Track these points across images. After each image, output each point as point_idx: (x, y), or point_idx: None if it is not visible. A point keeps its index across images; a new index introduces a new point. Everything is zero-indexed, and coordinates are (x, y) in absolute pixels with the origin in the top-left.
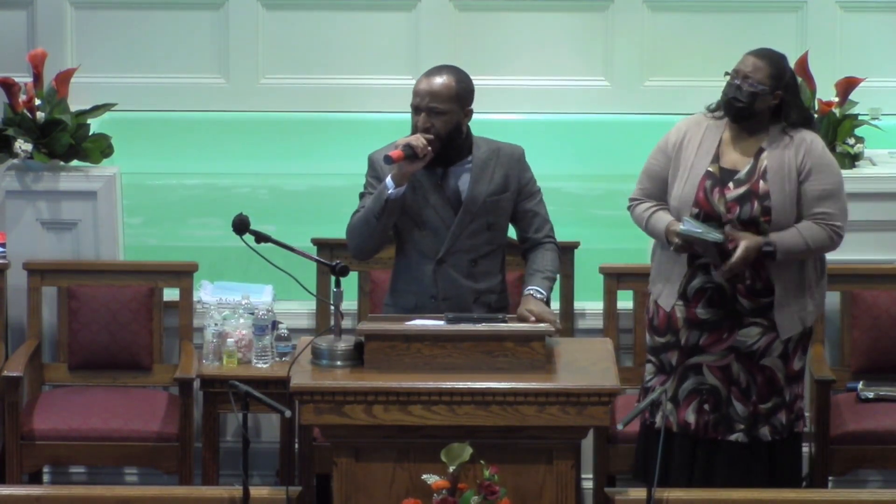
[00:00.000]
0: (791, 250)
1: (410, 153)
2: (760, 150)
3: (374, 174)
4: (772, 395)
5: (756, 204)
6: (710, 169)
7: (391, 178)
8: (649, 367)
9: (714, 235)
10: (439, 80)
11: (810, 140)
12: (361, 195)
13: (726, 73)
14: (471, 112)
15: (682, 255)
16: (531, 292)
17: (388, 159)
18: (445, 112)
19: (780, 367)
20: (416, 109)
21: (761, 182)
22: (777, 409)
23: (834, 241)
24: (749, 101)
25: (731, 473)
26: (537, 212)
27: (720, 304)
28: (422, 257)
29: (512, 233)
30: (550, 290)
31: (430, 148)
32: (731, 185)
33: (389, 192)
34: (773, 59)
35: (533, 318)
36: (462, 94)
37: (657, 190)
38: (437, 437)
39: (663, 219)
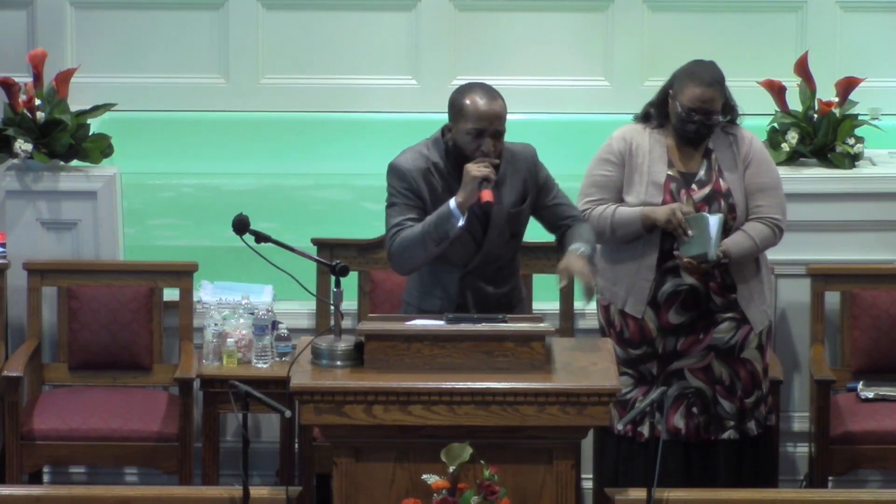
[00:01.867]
0: (743, 253)
1: (490, 185)
2: (709, 151)
3: (408, 186)
4: (754, 389)
5: (722, 202)
6: (669, 173)
7: (458, 207)
8: (625, 380)
9: (712, 255)
10: (500, 102)
11: (750, 137)
12: (392, 205)
13: (674, 100)
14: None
15: (648, 259)
16: (573, 249)
17: (490, 205)
18: (503, 132)
19: (758, 360)
20: (480, 133)
21: (721, 181)
22: (759, 403)
23: (776, 234)
24: (712, 129)
25: (727, 472)
26: (560, 202)
27: (694, 305)
28: (449, 266)
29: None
30: (594, 252)
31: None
32: (694, 186)
33: (460, 223)
34: (717, 80)
35: (565, 279)
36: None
37: (612, 199)
38: (437, 437)
39: (631, 209)
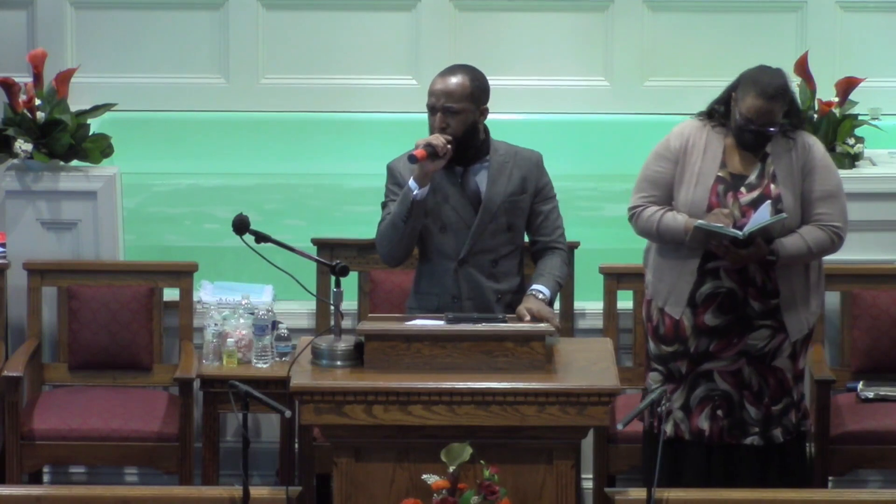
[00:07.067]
0: (793, 255)
1: (432, 151)
2: (766, 155)
3: (395, 181)
4: (783, 396)
5: (770, 208)
6: (720, 174)
7: (414, 179)
8: (654, 376)
9: (733, 231)
10: (454, 80)
11: (811, 143)
12: (384, 204)
13: (736, 104)
14: (486, 111)
15: (691, 263)
16: (533, 292)
17: (413, 158)
18: (460, 111)
19: (789, 368)
20: (432, 109)
21: (772, 186)
22: (788, 410)
23: (835, 242)
24: (769, 139)
25: (749, 477)
26: (549, 216)
27: (731, 308)
28: (443, 258)
29: None
30: (556, 293)
31: (449, 146)
32: (743, 189)
33: (415, 193)
34: (780, 92)
35: (528, 318)
36: (476, 93)
37: (664, 196)
38: (437, 437)
39: (678, 218)
